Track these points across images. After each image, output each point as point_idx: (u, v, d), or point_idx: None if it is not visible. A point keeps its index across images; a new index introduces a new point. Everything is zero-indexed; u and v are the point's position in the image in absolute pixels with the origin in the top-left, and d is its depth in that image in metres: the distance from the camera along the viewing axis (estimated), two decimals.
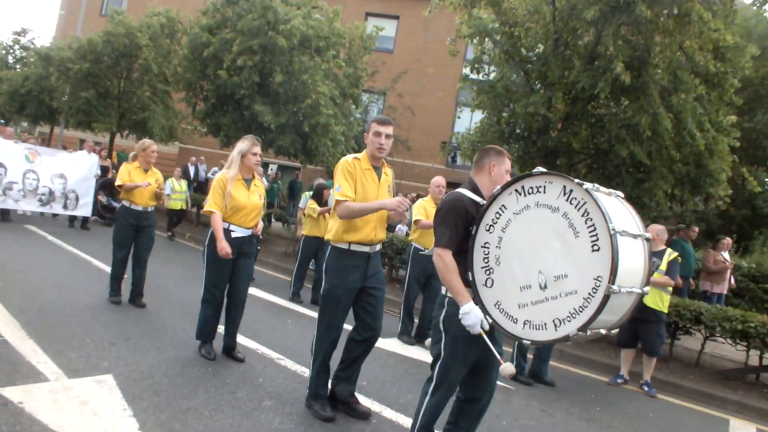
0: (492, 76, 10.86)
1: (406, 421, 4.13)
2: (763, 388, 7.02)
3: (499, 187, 3.00)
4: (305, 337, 6.10)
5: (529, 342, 2.89)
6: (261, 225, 5.14)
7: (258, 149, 4.82)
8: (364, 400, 4.33)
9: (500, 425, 4.49)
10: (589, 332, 2.75)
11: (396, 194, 4.20)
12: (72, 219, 11.76)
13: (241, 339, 5.50)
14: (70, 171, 11.13)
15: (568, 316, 2.75)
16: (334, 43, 14.51)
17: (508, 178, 3.16)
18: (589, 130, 9.05)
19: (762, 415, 6.24)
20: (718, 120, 9.54)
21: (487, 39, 9.94)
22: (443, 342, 3.08)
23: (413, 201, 8.25)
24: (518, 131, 10.09)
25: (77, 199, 11.14)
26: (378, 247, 4.03)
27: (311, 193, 8.57)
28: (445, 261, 3.01)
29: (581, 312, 2.71)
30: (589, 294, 2.69)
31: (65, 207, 11.05)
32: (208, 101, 14.71)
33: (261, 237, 6.68)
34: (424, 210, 6.73)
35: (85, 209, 11.33)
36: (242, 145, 4.77)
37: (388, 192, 3.99)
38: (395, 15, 26.36)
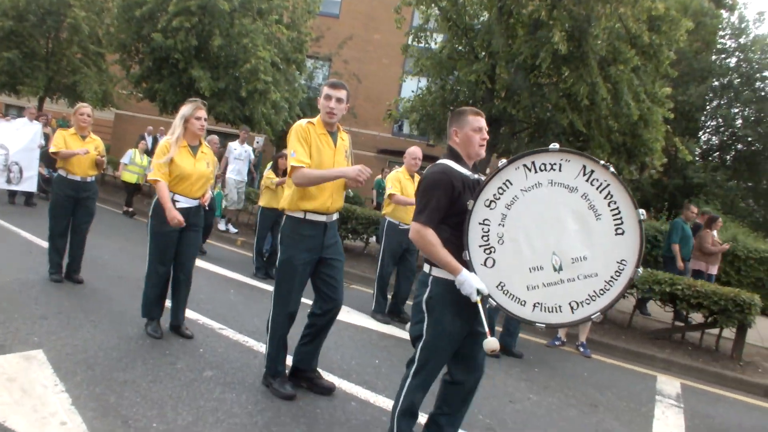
0: (437, 45, 10.81)
1: (351, 387, 4.18)
2: (687, 346, 7.45)
3: (504, 160, 2.82)
4: (249, 307, 6.09)
5: (543, 326, 2.80)
6: (209, 195, 4.90)
7: (203, 113, 4.56)
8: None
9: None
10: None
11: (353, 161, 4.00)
12: (12, 194, 10.61)
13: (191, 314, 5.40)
14: (10, 141, 9.79)
15: (587, 299, 2.71)
16: (276, 6, 14.06)
17: (484, 135, 2.99)
18: (531, 99, 9.17)
19: (686, 371, 6.65)
20: (653, 91, 9.86)
21: (432, 5, 9.85)
22: (425, 323, 2.88)
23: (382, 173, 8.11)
24: (461, 99, 10.13)
25: (21, 172, 9.83)
26: (335, 216, 3.88)
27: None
28: (425, 237, 2.79)
29: (602, 295, 2.68)
30: (612, 277, 2.67)
31: (8, 181, 9.74)
32: (144, 64, 14.04)
33: (208, 208, 6.44)
34: (399, 183, 6.48)
35: (29, 183, 9.93)
36: (185, 109, 4.51)
37: (346, 158, 3.83)
38: None
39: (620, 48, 8.97)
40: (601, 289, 2.70)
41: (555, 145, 2.75)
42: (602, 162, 2.67)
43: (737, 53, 20.16)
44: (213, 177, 4.90)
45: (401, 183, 6.48)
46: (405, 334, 6.06)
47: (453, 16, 9.74)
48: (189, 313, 5.33)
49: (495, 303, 2.82)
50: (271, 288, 6.98)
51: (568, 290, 2.73)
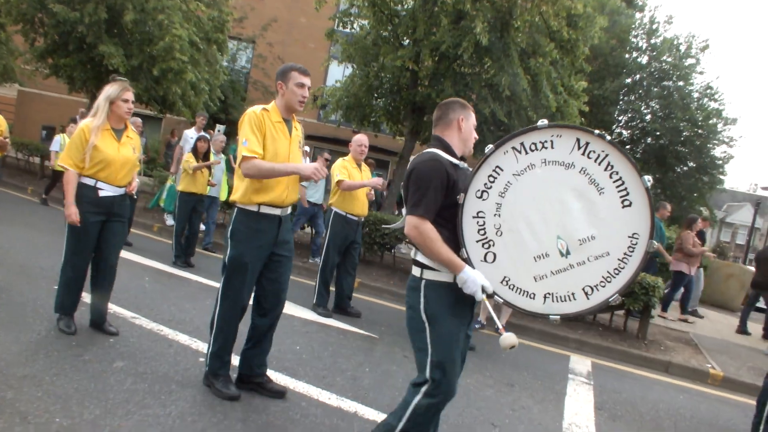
0: (360, 30, 10.75)
1: (272, 374, 4.10)
2: (598, 327, 7.87)
3: (491, 146, 2.61)
4: (165, 295, 5.86)
5: (557, 317, 2.59)
6: (136, 183, 4.55)
7: (130, 95, 4.21)
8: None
9: (363, 372, 4.60)
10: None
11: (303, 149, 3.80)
12: None
13: (89, 299, 5.11)
14: None
15: (602, 281, 2.52)
16: None
17: (475, 135, 2.86)
18: (454, 88, 9.31)
19: (597, 350, 7.03)
20: (570, 84, 10.26)
21: None
22: (428, 333, 2.61)
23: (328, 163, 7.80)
24: (386, 85, 10.14)
25: None
26: (289, 209, 3.67)
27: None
28: (423, 232, 2.54)
29: (617, 274, 2.50)
30: (626, 254, 2.49)
31: None
32: (48, 37, 13.07)
33: (135, 197, 6.11)
34: (346, 170, 6.21)
35: None
36: (111, 89, 4.13)
37: (299, 148, 3.64)
38: None
39: (540, 41, 9.26)
40: (616, 269, 2.51)
41: (543, 122, 2.56)
42: (596, 132, 2.49)
43: (648, 52, 21.37)
44: (139, 163, 4.55)
45: (348, 171, 6.24)
46: (328, 321, 6.04)
47: (378, 1, 9.70)
48: (86, 298, 5.06)
49: (502, 300, 2.62)
50: (189, 276, 6.81)
51: (580, 275, 2.54)
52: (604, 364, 6.61)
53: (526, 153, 2.57)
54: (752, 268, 17.84)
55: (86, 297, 4.50)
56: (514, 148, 2.58)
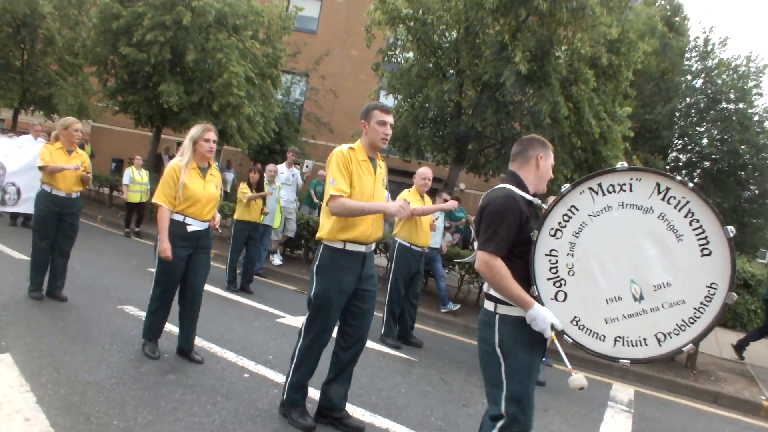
0: (405, 62, 11.12)
1: (311, 392, 4.35)
2: None
3: (567, 185, 2.61)
4: (215, 316, 6.21)
5: (628, 362, 2.56)
6: (218, 218, 4.83)
7: (212, 135, 4.47)
8: (268, 372, 4.51)
9: (399, 392, 4.80)
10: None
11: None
12: (14, 216, 10.18)
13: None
14: (10, 160, 8.99)
15: (676, 329, 2.49)
16: (252, 22, 14.31)
17: (551, 175, 2.89)
18: (496, 117, 9.51)
19: (642, 379, 6.92)
20: (613, 110, 10.27)
21: (401, 25, 10.18)
22: (503, 368, 2.62)
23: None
24: (431, 116, 10.44)
25: (18, 193, 8.93)
26: (373, 246, 3.72)
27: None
28: (494, 268, 2.56)
29: (692, 323, 2.46)
30: (702, 303, 2.44)
31: (3, 202, 8.92)
32: (119, 77, 14.16)
33: (219, 231, 6.50)
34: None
35: (27, 205, 8.63)
36: (194, 131, 4.44)
37: (383, 185, 3.69)
38: None
39: (581, 69, 9.37)
40: (691, 318, 2.46)
41: (623, 164, 2.53)
42: (678, 178, 2.44)
43: (702, 75, 20.90)
44: (221, 198, 4.81)
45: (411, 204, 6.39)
46: (371, 345, 6.25)
47: (421, 35, 10.08)
48: None
49: (571, 340, 2.61)
50: (240, 299, 7.19)
51: (653, 321, 2.51)
52: (647, 393, 6.52)
53: (604, 194, 2.56)
54: None
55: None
56: (591, 188, 2.58)
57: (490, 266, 2.56)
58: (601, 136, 9.66)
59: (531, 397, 2.65)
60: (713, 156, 20.06)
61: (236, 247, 8.08)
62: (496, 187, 2.77)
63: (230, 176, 18.56)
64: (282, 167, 9.94)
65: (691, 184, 2.44)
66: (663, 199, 2.47)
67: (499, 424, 2.62)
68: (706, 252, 2.43)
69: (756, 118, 19.55)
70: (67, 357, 4.16)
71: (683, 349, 2.49)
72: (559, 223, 2.61)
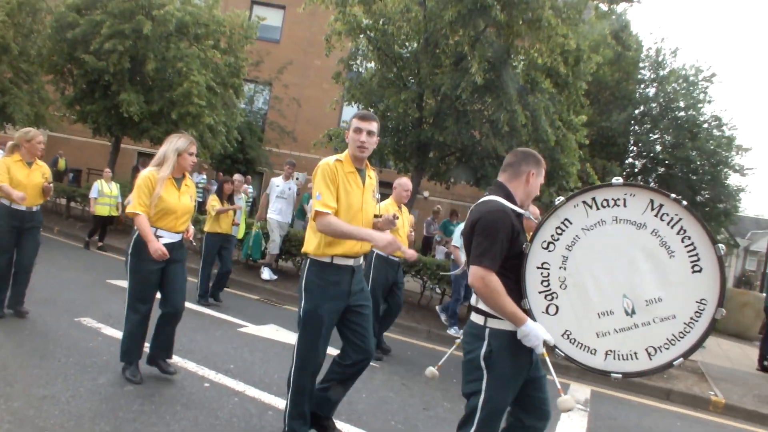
0: (366, 72, 11.25)
1: (270, 399, 4.38)
2: None
3: (561, 198, 2.63)
4: (180, 326, 6.15)
5: (619, 375, 2.61)
6: (192, 230, 4.71)
7: (195, 148, 4.36)
8: (229, 381, 4.53)
9: (359, 397, 4.86)
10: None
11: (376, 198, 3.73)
12: None
13: (108, 330, 5.49)
14: None
15: (666, 344, 2.54)
16: (213, 31, 14.24)
17: (538, 192, 2.88)
18: (456, 126, 9.69)
19: (599, 379, 7.05)
20: (568, 119, 10.58)
21: (362, 35, 10.30)
22: (485, 380, 2.62)
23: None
24: (391, 126, 10.56)
25: None
26: (361, 259, 3.63)
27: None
28: (489, 284, 2.52)
29: (682, 338, 2.52)
30: (692, 318, 2.51)
31: None
32: (77, 86, 13.91)
33: (194, 243, 6.27)
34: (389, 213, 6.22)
35: None
36: (179, 142, 4.28)
37: (373, 197, 3.59)
38: (282, 5, 26.14)
39: (537, 78, 9.64)
40: (681, 332, 2.52)
41: (618, 179, 2.58)
42: (672, 195, 2.49)
43: (655, 84, 21.64)
44: (194, 210, 4.68)
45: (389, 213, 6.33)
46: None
47: (382, 45, 10.21)
48: (113, 332, 5.44)
49: (563, 354, 2.63)
50: (201, 309, 7.14)
51: (644, 335, 2.55)
52: (603, 392, 6.72)
53: (598, 209, 2.58)
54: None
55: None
56: (584, 202, 2.59)
57: (485, 282, 2.53)
58: (557, 144, 9.93)
59: (502, 413, 2.69)
60: (666, 162, 20.76)
61: (208, 259, 7.93)
62: (485, 199, 2.74)
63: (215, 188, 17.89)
64: (278, 180, 9.70)
65: (684, 202, 2.48)
66: (656, 216, 2.51)
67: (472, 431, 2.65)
68: (696, 268, 2.49)
69: (705, 125, 20.34)
70: (21, 371, 4.10)
71: (674, 363, 2.55)
72: (552, 236, 2.62)
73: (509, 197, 2.72)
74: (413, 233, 6.92)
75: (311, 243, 3.42)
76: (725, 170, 20.35)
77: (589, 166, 12.12)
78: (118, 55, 12.63)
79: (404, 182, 6.51)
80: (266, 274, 9.74)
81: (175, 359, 4.95)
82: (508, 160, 2.86)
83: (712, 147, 19.53)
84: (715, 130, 20.15)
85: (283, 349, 6.01)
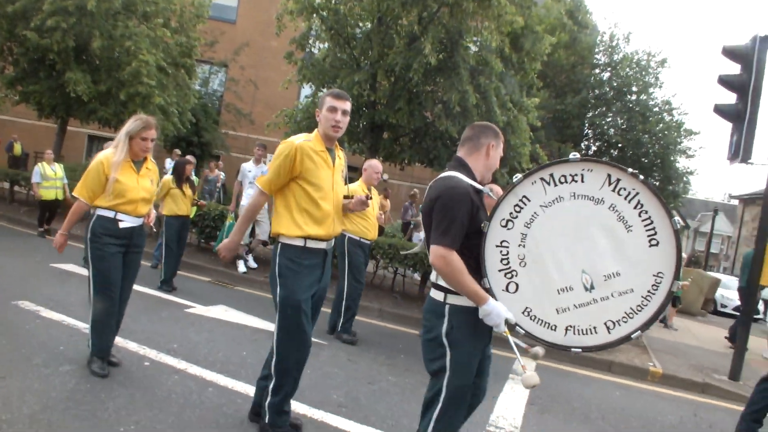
0: (319, 52, 11.14)
1: (212, 376, 4.37)
2: None
3: (519, 175, 2.59)
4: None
5: (579, 350, 2.62)
6: (154, 214, 4.54)
7: (152, 134, 4.08)
8: (170, 360, 4.49)
9: (304, 374, 4.87)
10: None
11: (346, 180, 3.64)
12: None
13: (47, 313, 5.36)
14: None
15: (624, 317, 2.56)
16: (163, 9, 13.83)
17: (498, 165, 2.84)
18: (408, 107, 9.71)
19: (547, 353, 7.31)
20: (520, 100, 10.72)
21: (314, 15, 10.18)
22: (448, 357, 2.61)
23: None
24: None
25: None
26: (333, 242, 3.51)
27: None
28: (451, 263, 2.48)
29: (640, 311, 2.55)
30: (649, 292, 2.53)
31: None
32: (19, 65, 13.35)
33: (154, 229, 5.91)
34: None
35: None
36: (132, 125, 4.03)
37: (342, 178, 3.50)
38: None
39: (488, 59, 9.72)
40: (638, 305, 2.55)
41: (575, 155, 2.55)
42: (630, 170, 2.49)
43: (609, 68, 22.09)
44: (156, 194, 4.42)
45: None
46: None
47: (334, 25, 10.12)
48: (53, 315, 5.33)
49: (523, 331, 2.64)
50: (143, 289, 7.00)
51: (603, 309, 2.57)
52: (549, 365, 6.90)
53: (555, 185, 2.56)
54: (711, 274, 18.46)
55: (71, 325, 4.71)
56: (542, 178, 2.58)
57: (447, 261, 2.48)
58: (508, 125, 10.06)
59: (469, 389, 2.69)
60: (619, 145, 21.29)
61: (172, 244, 7.60)
62: (444, 175, 2.68)
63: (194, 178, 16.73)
64: (249, 165, 9.13)
65: (641, 176, 2.48)
66: (614, 190, 2.51)
67: (436, 412, 2.65)
68: (654, 242, 2.51)
69: (656, 109, 20.89)
70: None
71: (632, 336, 2.57)
72: (511, 213, 2.60)
73: (469, 173, 2.68)
74: (383, 216, 6.87)
75: (282, 222, 3.28)
76: (674, 154, 20.99)
77: (538, 147, 12.33)
78: (61, 33, 12.13)
79: (375, 164, 6.41)
80: (242, 266, 9.28)
81: (116, 340, 4.87)
82: (466, 134, 2.82)
83: (661, 130, 20.11)
84: (665, 114, 20.75)
85: (230, 329, 5.99)
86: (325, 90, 10.86)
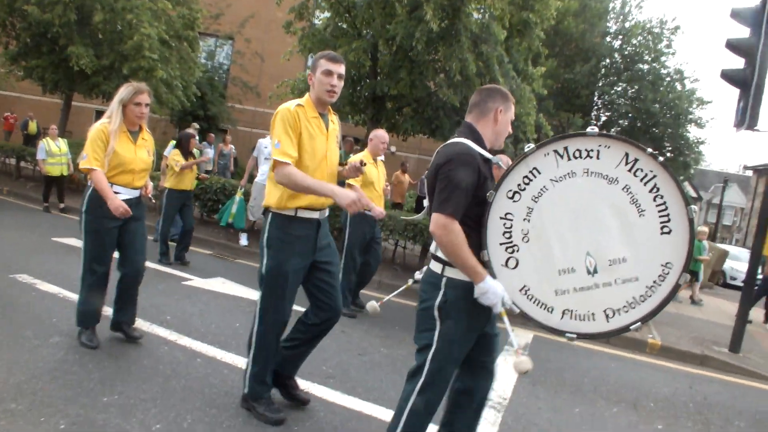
0: (320, 22, 11.01)
1: (201, 347, 4.41)
2: None
3: (532, 145, 2.45)
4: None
5: (574, 335, 2.49)
6: (151, 186, 4.47)
7: (144, 98, 4.04)
8: (161, 331, 4.53)
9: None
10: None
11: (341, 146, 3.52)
12: None
13: (44, 286, 5.41)
14: None
15: (625, 306, 2.43)
16: None
17: (510, 130, 2.68)
18: (410, 77, 9.58)
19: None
20: (524, 69, 10.54)
21: None
22: (437, 330, 2.52)
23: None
24: (347, 76, 10.38)
25: None
26: (327, 212, 3.41)
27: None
28: (452, 233, 2.36)
29: (643, 302, 2.41)
30: (655, 282, 2.39)
31: None
32: (21, 40, 13.33)
33: (153, 201, 5.90)
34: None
35: None
36: (123, 92, 4.01)
37: (337, 144, 3.39)
38: None
39: (491, 26, 9.53)
40: (642, 296, 2.41)
41: (593, 129, 2.40)
42: (649, 150, 2.34)
43: (620, 36, 21.64)
44: (152, 165, 4.41)
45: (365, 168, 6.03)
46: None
47: None
48: (49, 287, 5.38)
49: (518, 309, 2.50)
50: (157, 266, 7.06)
51: (604, 296, 2.43)
52: (546, 338, 6.85)
53: (569, 159, 2.42)
54: (720, 246, 18.27)
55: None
56: (556, 151, 2.43)
57: (447, 230, 2.36)
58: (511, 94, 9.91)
59: (453, 367, 2.60)
60: (629, 115, 20.97)
61: (169, 217, 7.64)
62: (452, 141, 2.56)
63: (210, 153, 14.82)
64: (266, 141, 8.66)
65: (661, 158, 2.35)
66: (630, 171, 2.37)
67: (419, 385, 2.56)
68: (666, 230, 2.36)
69: (668, 78, 20.49)
70: None
71: (630, 327, 2.44)
72: (519, 185, 2.46)
73: (478, 139, 2.54)
74: (389, 187, 6.77)
75: (273, 195, 3.20)
76: (685, 123, 20.66)
77: (542, 117, 12.15)
78: (62, 6, 12.11)
79: (381, 134, 6.27)
80: (244, 239, 9.27)
81: (109, 312, 4.91)
82: (474, 99, 2.67)
83: (672, 100, 19.74)
84: (677, 84, 20.35)
85: (226, 301, 6.03)
86: None
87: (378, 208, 5.88)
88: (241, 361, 4.21)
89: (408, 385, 2.63)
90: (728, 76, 7.27)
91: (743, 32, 7.19)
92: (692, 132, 21.24)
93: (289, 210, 3.18)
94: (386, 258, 9.47)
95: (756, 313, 11.39)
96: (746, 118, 7.01)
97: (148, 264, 7.04)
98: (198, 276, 6.93)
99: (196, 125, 14.52)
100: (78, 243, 7.52)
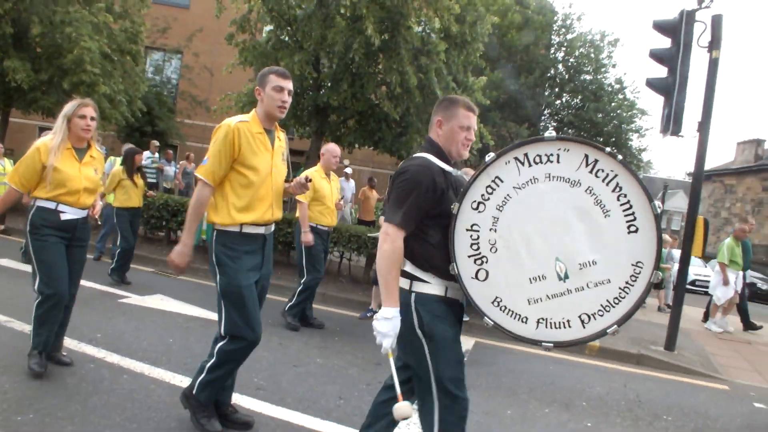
0: (264, 35, 11.02)
1: (130, 363, 4.32)
2: None
3: (492, 154, 2.42)
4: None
5: (551, 345, 2.42)
6: (99, 206, 4.32)
7: (89, 111, 3.88)
8: (89, 349, 4.42)
9: None
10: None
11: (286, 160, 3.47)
12: None
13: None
14: None
15: (600, 310, 2.38)
16: None
17: (470, 136, 2.61)
18: (351, 90, 9.67)
19: (485, 330, 7.29)
20: (464, 80, 10.77)
21: None
22: (427, 350, 2.43)
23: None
24: None
25: None
26: (272, 227, 3.38)
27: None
28: (394, 243, 2.34)
29: (617, 304, 2.36)
30: (627, 283, 2.35)
31: None
32: None
33: (99, 222, 5.63)
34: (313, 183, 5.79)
35: None
36: (67, 107, 3.87)
37: (283, 161, 3.35)
38: None
39: (430, 40, 9.73)
40: (616, 298, 2.36)
41: (551, 133, 2.38)
42: (607, 149, 2.32)
43: (563, 48, 22.35)
44: (101, 185, 4.25)
45: (316, 183, 6.01)
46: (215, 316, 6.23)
47: (275, 6, 9.98)
48: None
49: (492, 322, 2.44)
50: (93, 284, 6.86)
51: (577, 301, 2.38)
52: (488, 343, 6.96)
53: (530, 165, 2.40)
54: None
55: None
56: (516, 158, 2.41)
57: (392, 240, 2.34)
58: None
59: (461, 379, 2.47)
60: (574, 124, 21.64)
61: (126, 234, 7.47)
62: (414, 155, 2.58)
63: (171, 170, 14.78)
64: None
65: (620, 157, 2.34)
66: (591, 172, 2.35)
67: (437, 412, 2.44)
68: (633, 229, 2.34)
69: (609, 89, 21.26)
70: None
71: (607, 331, 2.39)
72: (482, 195, 2.43)
73: (438, 152, 2.54)
74: (342, 202, 6.79)
75: (217, 211, 3.15)
76: (627, 132, 21.45)
77: (482, 127, 12.42)
78: None
79: (332, 148, 6.24)
80: None
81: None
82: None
83: (614, 109, 20.49)
84: (618, 95, 21.13)
85: (162, 318, 5.93)
86: None
87: (309, 236, 6.01)
88: (170, 376, 4.17)
89: (425, 418, 2.50)
90: (653, 84, 7.61)
91: (665, 43, 7.56)
92: (634, 141, 22.04)
93: (234, 226, 3.14)
94: (331, 270, 9.47)
95: (694, 311, 11.86)
96: (670, 125, 7.34)
97: (87, 283, 6.96)
98: (136, 293, 6.79)
99: (156, 143, 14.25)
100: (11, 263, 7.33)
